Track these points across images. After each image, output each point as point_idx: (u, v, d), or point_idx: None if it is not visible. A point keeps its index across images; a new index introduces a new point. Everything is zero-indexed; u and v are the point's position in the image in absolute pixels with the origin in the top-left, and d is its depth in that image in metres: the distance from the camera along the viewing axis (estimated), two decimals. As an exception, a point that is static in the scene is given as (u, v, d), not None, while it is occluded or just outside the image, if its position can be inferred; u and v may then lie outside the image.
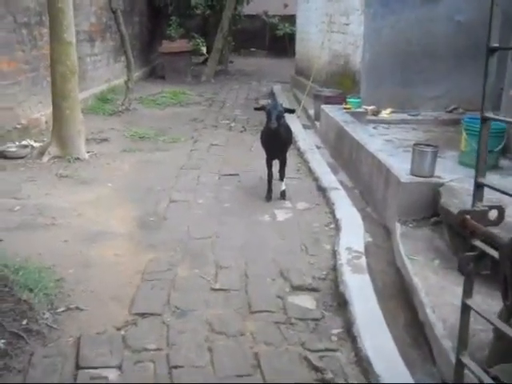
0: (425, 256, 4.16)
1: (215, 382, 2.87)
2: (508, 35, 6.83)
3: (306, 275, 4.01)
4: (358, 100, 8.33)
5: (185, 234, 4.79)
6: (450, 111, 8.60)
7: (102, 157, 7.19)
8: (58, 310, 3.41)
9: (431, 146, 4.89)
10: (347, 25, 9.21)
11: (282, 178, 5.76)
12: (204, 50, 18.42)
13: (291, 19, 21.08)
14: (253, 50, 23.98)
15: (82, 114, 9.58)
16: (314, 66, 10.59)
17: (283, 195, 5.71)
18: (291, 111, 5.70)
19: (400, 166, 5.12)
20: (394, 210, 4.86)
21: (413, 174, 4.81)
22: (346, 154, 6.75)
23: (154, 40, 16.64)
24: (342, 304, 3.59)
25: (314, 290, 3.82)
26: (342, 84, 9.54)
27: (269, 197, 5.69)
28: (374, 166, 5.53)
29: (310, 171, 6.59)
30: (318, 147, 7.97)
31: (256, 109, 5.62)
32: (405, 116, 8.42)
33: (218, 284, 3.86)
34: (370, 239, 4.83)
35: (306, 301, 3.66)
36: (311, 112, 9.78)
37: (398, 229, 4.65)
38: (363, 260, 4.11)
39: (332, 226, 4.98)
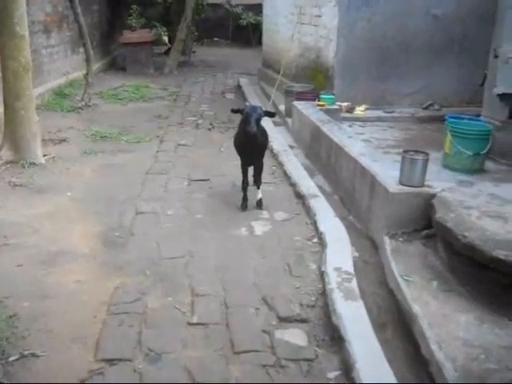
0: (421, 276, 3.80)
1: None
2: (488, 29, 6.54)
3: (292, 302, 3.60)
4: (332, 96, 7.93)
5: (154, 252, 4.33)
6: (426, 107, 8.31)
7: (61, 160, 6.63)
8: (10, 359, 2.92)
9: (421, 152, 4.52)
10: (319, 16, 8.80)
11: (258, 185, 5.34)
12: (166, 39, 17.79)
13: (255, 8, 20.59)
14: (216, 39, 23.36)
15: (38, 110, 8.99)
16: (283, 60, 10.15)
17: (260, 204, 5.30)
18: (271, 114, 5.24)
19: (386, 173, 4.74)
20: (382, 221, 4.49)
21: (402, 183, 4.44)
22: (324, 156, 6.36)
23: (114, 30, 15.92)
24: (336, 339, 3.21)
25: (303, 320, 3.42)
26: (313, 78, 9.14)
27: (244, 206, 5.27)
28: (357, 171, 5.15)
29: (286, 175, 6.18)
30: (291, 147, 7.57)
31: (234, 111, 5.14)
32: (380, 113, 8.09)
33: (195, 317, 3.42)
34: (355, 253, 4.45)
35: (295, 336, 3.26)
36: (281, 107, 9.35)
37: (388, 244, 4.28)
38: (354, 283, 3.72)
39: (315, 240, 4.58)
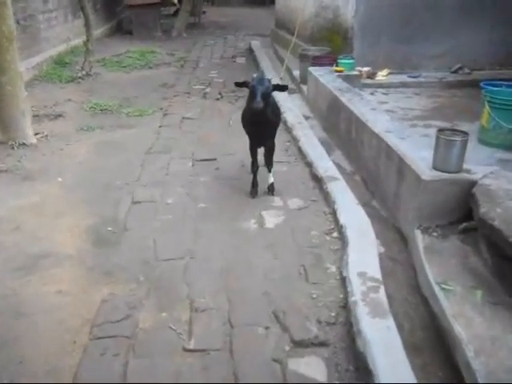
0: (461, 283, 3.20)
1: None
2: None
3: (309, 319, 3.03)
4: (352, 61, 7.23)
5: (150, 252, 3.77)
6: (455, 71, 7.57)
7: (54, 139, 6.06)
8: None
9: (458, 131, 3.87)
10: (336, -28, 8.01)
11: (269, 168, 4.73)
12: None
13: (268, -36, 19.64)
14: (227, -2, 22.45)
15: (35, 82, 8.46)
16: (297, 20, 9.38)
17: (271, 190, 4.71)
18: (282, 88, 4.55)
19: (416, 154, 4.10)
20: (412, 212, 3.88)
21: (436, 168, 3.80)
22: (343, 130, 5.71)
23: (120, -9, 15.14)
24: (361, 370, 2.65)
25: (321, 344, 2.85)
26: (330, 41, 8.41)
27: (254, 192, 4.68)
28: (382, 151, 4.51)
29: (301, 152, 5.55)
30: (307, 117, 6.92)
31: (237, 85, 4.47)
32: (404, 78, 7.39)
33: (192, 341, 2.87)
34: (381, 248, 3.87)
35: (312, 366, 2.70)
36: (296, 73, 8.66)
37: (420, 239, 3.68)
38: (383, 293, 3.14)
39: (335, 234, 3.98)
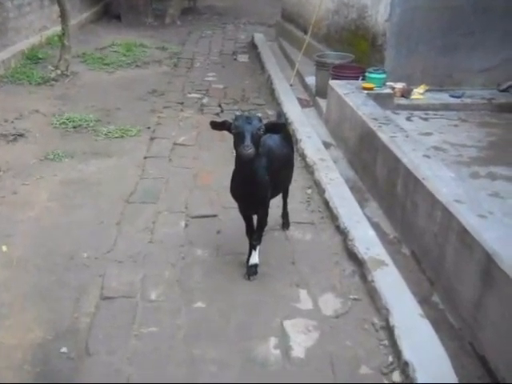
0: None
1: None
2: None
3: None
4: (383, 76, 5.89)
5: (120, 408, 2.48)
6: (505, 89, 6.25)
7: (8, 175, 4.73)
8: None
9: None
10: (364, -38, 6.63)
11: (253, 243, 3.45)
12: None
13: None
14: (226, -22, 20.81)
15: (0, 83, 7.11)
16: (312, 16, 8.00)
17: (251, 273, 3.44)
18: (278, 128, 3.16)
19: (505, 248, 2.83)
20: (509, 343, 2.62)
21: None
22: (382, 177, 4.41)
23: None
24: None
25: None
26: (352, 45, 7.06)
27: (251, 271, 3.44)
28: (452, 232, 3.22)
29: (329, 209, 4.23)
30: (327, 145, 5.61)
31: (214, 126, 3.14)
32: (445, 97, 6.07)
33: None
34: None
35: None
36: (310, 80, 7.34)
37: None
38: None
39: (395, 376, 2.68)
